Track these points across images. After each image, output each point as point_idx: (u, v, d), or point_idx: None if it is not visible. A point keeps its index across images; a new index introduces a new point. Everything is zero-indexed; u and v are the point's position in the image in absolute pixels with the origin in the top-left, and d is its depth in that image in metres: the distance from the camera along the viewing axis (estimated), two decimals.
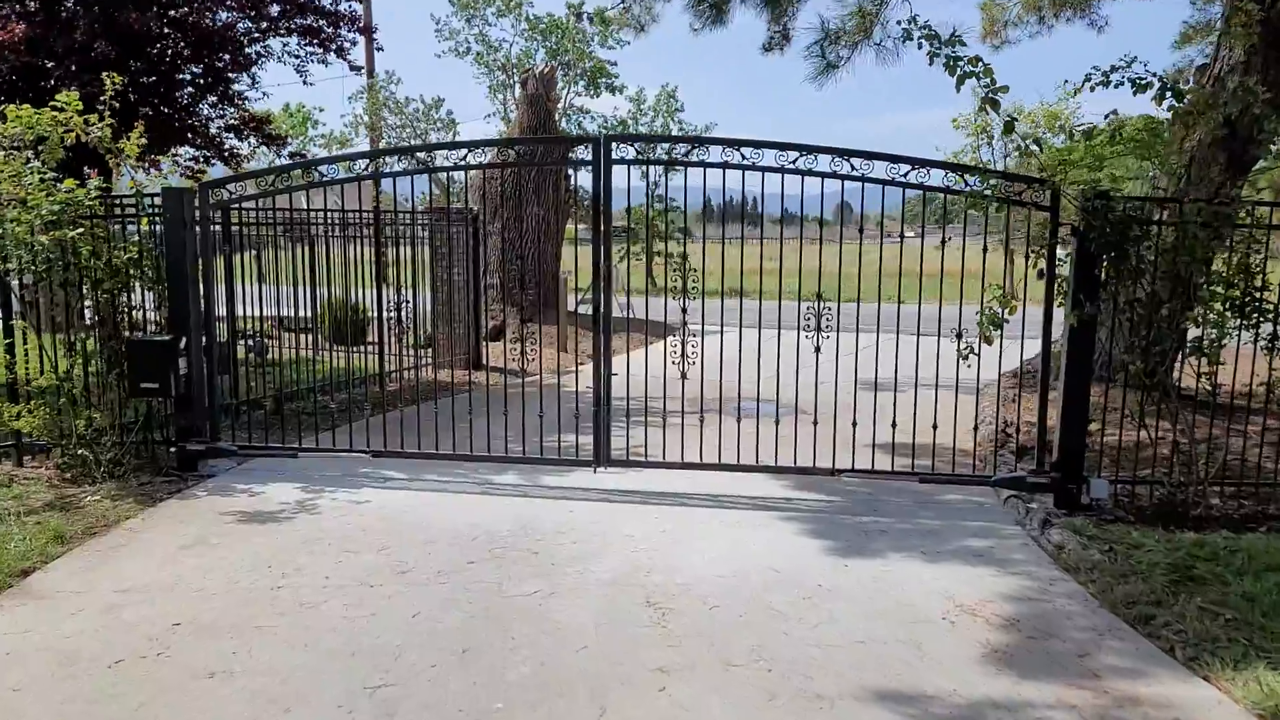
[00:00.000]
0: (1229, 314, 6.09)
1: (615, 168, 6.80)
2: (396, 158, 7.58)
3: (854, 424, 6.63)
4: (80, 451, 6.92)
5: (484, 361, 12.46)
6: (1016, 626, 4.50)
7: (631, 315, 17.51)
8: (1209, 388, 6.27)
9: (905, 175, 6.17)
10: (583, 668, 4.08)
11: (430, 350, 12.33)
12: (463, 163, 6.90)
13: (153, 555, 5.33)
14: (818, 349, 6.31)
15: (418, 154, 7.45)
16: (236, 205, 7.73)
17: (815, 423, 6.81)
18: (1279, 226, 6.27)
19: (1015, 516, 6.19)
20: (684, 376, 6.54)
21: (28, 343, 7.18)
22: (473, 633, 4.42)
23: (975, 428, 7.68)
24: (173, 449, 7.19)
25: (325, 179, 7.28)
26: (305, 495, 6.54)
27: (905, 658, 4.18)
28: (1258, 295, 6.13)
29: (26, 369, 7.12)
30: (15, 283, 7.26)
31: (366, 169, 7.75)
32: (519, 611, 4.64)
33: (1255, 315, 6.12)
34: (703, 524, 5.95)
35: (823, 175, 6.20)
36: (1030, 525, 5.95)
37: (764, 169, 6.27)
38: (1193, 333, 6.21)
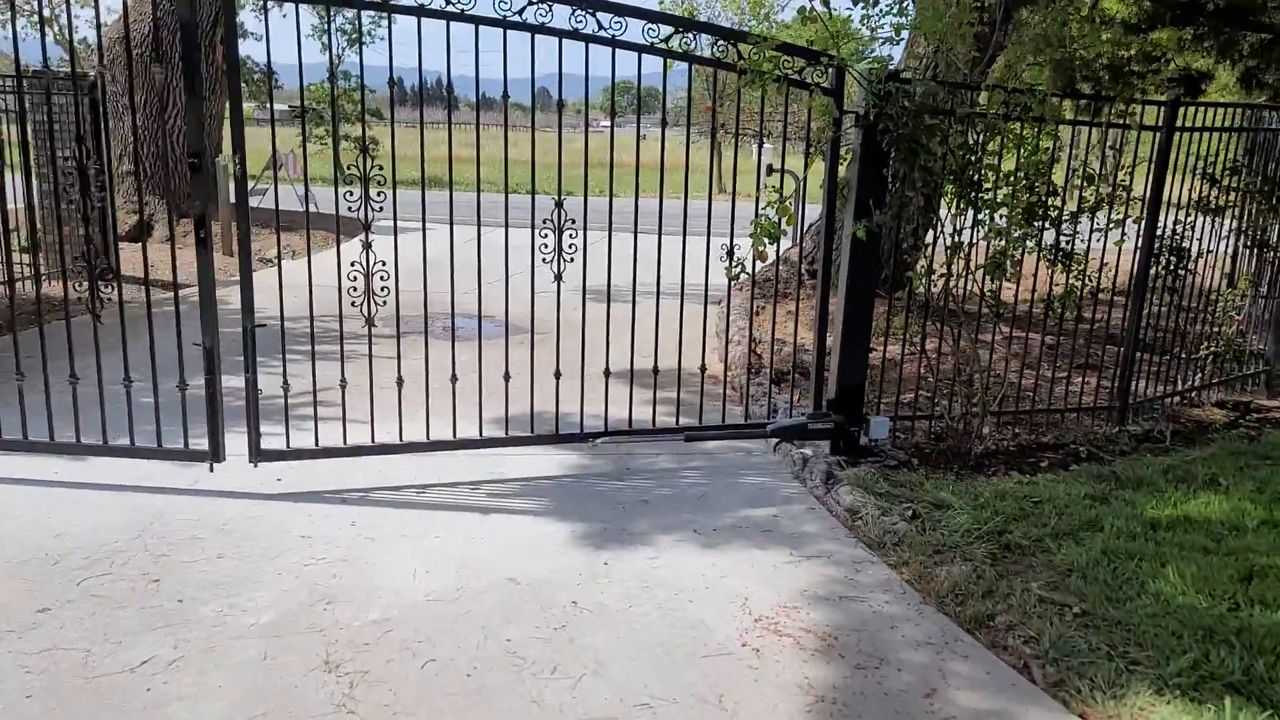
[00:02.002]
0: (1020, 220, 5.29)
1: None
2: None
3: (584, 351, 5.21)
4: None
5: (115, 269, 9.85)
6: (836, 649, 3.39)
7: (315, 209, 15.16)
8: (991, 306, 5.51)
9: (667, 41, 4.71)
10: None
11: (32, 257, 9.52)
12: None
13: None
14: (548, 258, 4.80)
15: None
16: None
17: (533, 348, 5.29)
18: (1085, 122, 5.53)
19: (792, 468, 5.15)
20: (370, 294, 4.72)
21: None
22: None
23: (726, 353, 6.59)
24: None
25: None
26: None
27: None
28: (1044, 199, 5.37)
29: None
30: None
31: None
32: (111, 708, 2.90)
33: (1043, 222, 5.37)
34: (407, 514, 4.40)
35: (560, 34, 4.59)
36: (812, 481, 4.92)
37: (478, 19, 4.52)
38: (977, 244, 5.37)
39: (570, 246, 4.75)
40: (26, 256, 9.23)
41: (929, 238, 5.47)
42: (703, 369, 5.40)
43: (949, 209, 5.29)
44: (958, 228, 5.24)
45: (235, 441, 4.75)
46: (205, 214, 4.49)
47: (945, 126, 5.11)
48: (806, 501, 4.72)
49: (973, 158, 5.26)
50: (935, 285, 5.37)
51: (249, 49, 33.46)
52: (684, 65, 5.03)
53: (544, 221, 4.67)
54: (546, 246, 4.69)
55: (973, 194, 5.24)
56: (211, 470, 4.66)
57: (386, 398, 5.01)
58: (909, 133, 4.89)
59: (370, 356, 4.75)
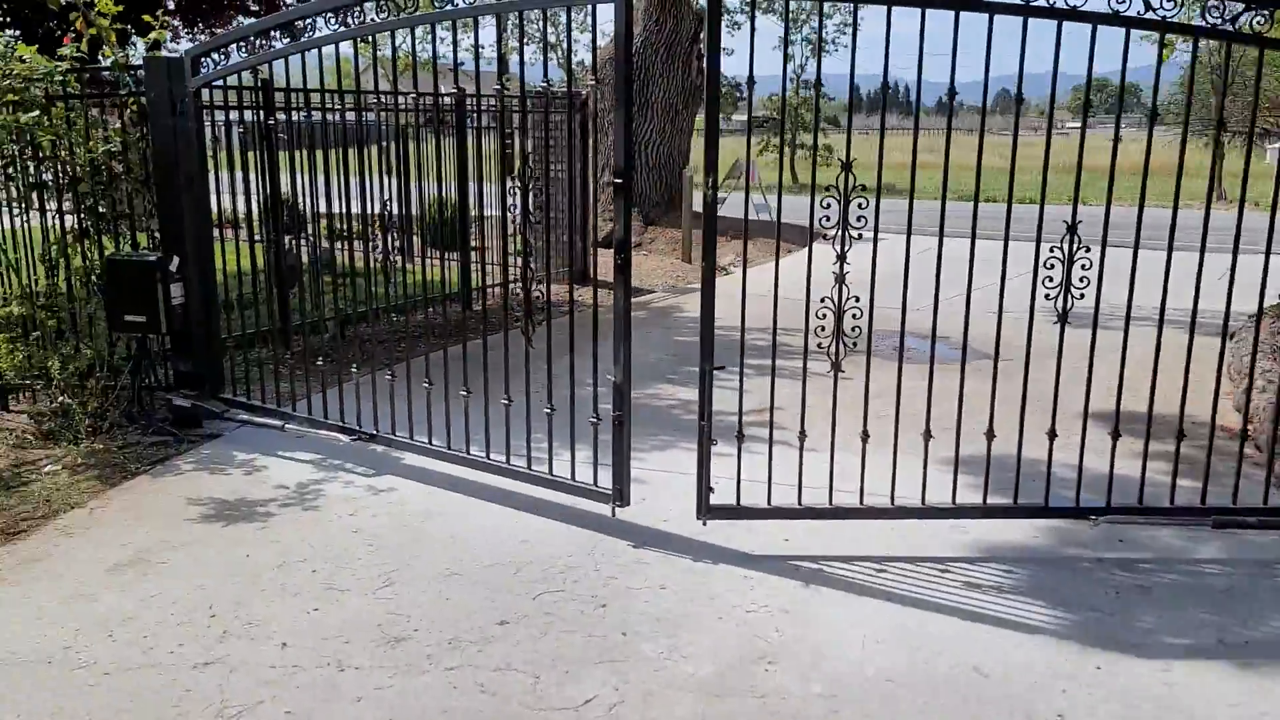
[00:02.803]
0: None
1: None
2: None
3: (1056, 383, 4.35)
4: (61, 399, 5.46)
5: (592, 274, 10.59)
6: None
7: (766, 218, 15.34)
8: None
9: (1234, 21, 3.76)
10: None
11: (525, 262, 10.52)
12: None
13: (62, 584, 3.75)
14: (1068, 269, 4.07)
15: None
16: (219, 80, 5.93)
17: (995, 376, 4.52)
18: None
19: None
20: (840, 335, 4.32)
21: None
22: None
23: (1247, 402, 5.35)
24: (179, 398, 5.64)
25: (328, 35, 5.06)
26: (315, 475, 4.88)
27: None
28: None
29: (6, 294, 5.66)
30: None
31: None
32: None
33: None
34: (856, 567, 3.98)
35: (1094, 19, 3.76)
36: None
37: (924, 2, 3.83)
38: None
39: (1048, 263, 3.99)
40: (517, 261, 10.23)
41: None
42: (1213, 421, 4.36)
43: None
44: None
45: (660, 464, 4.64)
46: (626, 239, 4.16)
47: None
48: None
49: None
50: None
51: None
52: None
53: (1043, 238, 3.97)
54: (1054, 263, 3.98)
55: None
56: (613, 515, 4.39)
57: (836, 430, 4.61)
58: None
59: (834, 405, 4.28)
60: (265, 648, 3.32)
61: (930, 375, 4.24)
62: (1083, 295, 4.00)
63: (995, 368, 4.26)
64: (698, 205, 13.08)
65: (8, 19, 5.78)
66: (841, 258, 4.00)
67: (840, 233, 3.99)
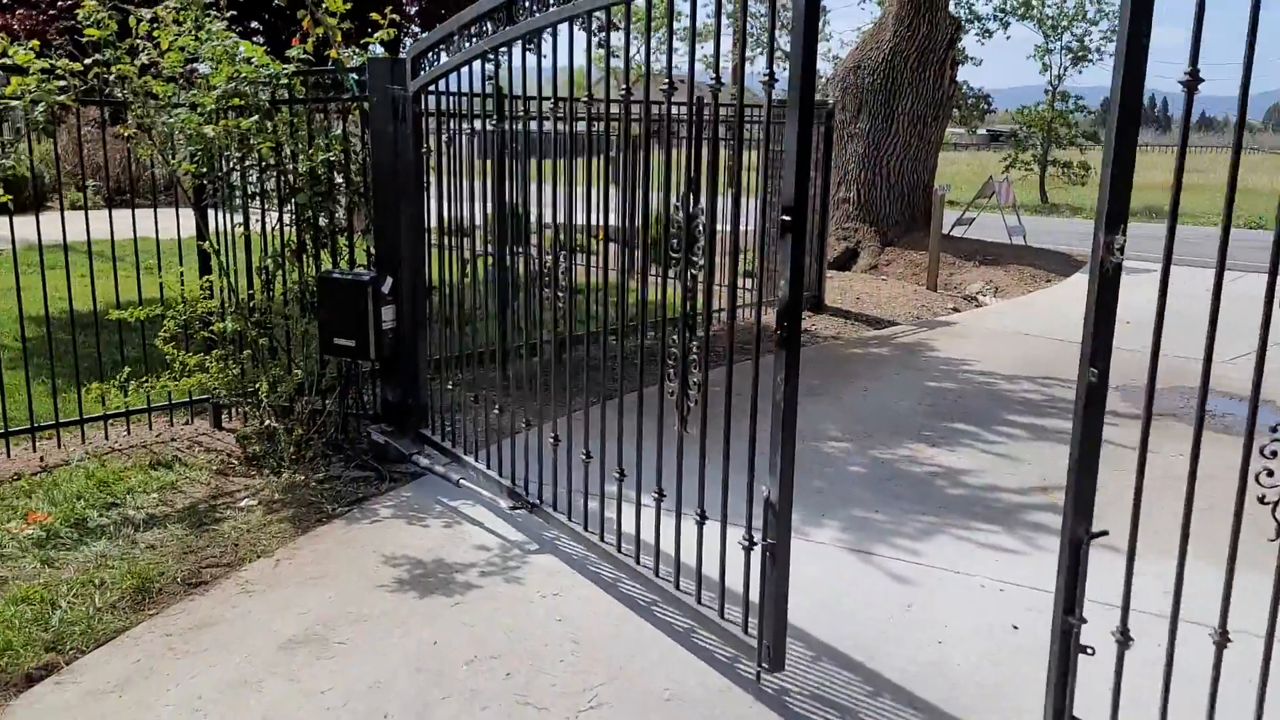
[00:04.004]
0: None
1: None
2: None
3: None
4: (268, 423, 5.14)
5: (823, 300, 9.65)
6: None
7: (1019, 241, 13.78)
8: None
9: None
10: None
11: (754, 284, 9.70)
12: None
13: (229, 661, 3.23)
14: None
15: None
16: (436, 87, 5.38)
17: None
18: None
19: None
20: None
21: (211, 272, 5.44)
22: None
23: None
24: (377, 433, 5.20)
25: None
26: (519, 537, 4.25)
27: None
28: None
29: (223, 308, 5.41)
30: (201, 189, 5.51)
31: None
32: None
33: None
34: None
35: None
36: None
37: None
38: None
39: None
40: (747, 282, 9.43)
41: None
42: None
43: None
44: None
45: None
46: (795, 302, 2.86)
47: None
48: None
49: None
50: None
51: (964, 73, 33.21)
52: None
53: None
54: None
55: None
56: (758, 680, 3.15)
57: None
58: None
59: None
60: None
61: None
62: None
63: None
64: (947, 227, 11.80)
65: (241, 19, 5.56)
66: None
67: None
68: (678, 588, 3.48)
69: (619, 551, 3.78)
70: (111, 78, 4.96)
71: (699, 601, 3.38)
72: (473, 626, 3.48)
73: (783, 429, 2.93)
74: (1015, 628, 3.59)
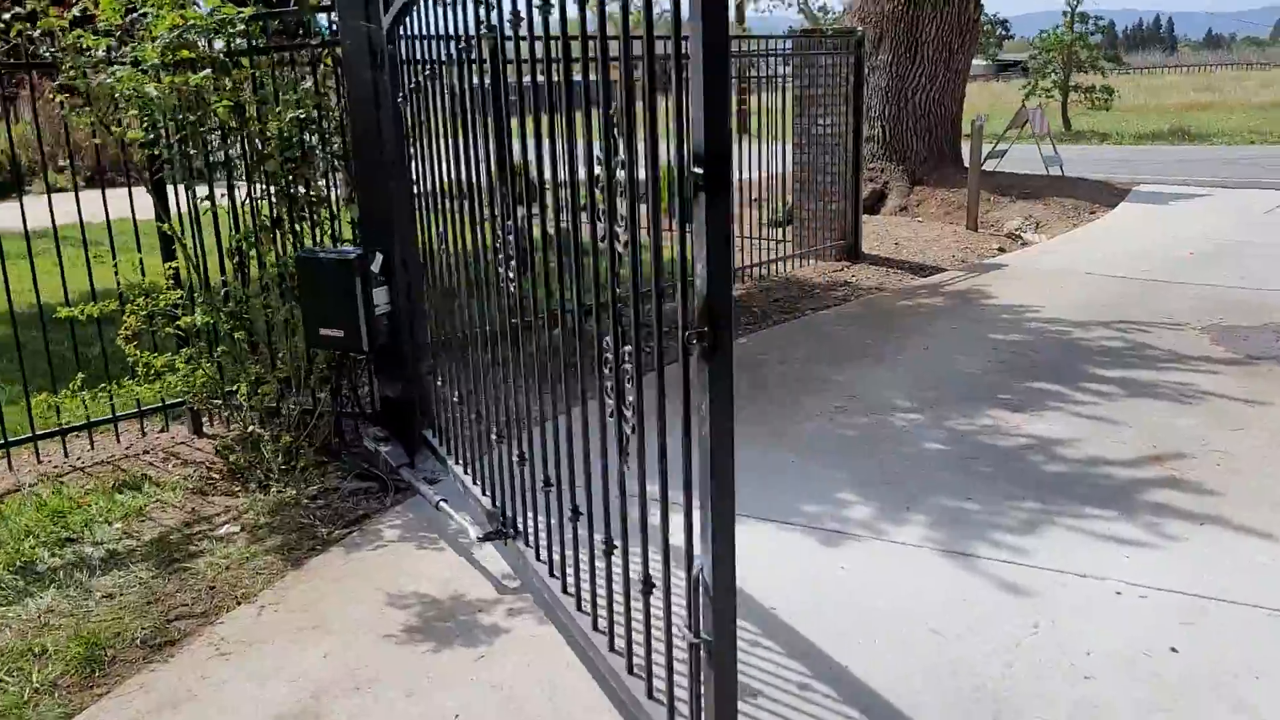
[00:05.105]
0: None
1: None
2: None
3: None
4: (252, 429, 4.43)
5: (859, 247, 8.85)
6: None
7: (1056, 172, 12.88)
8: None
9: None
10: None
11: (786, 234, 8.91)
12: None
13: None
14: None
15: None
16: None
17: None
18: None
19: None
20: None
21: (175, 258, 4.69)
22: None
23: None
24: (370, 440, 4.49)
25: None
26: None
27: None
28: None
29: (191, 298, 4.67)
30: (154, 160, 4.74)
31: None
32: None
33: None
34: None
35: None
36: None
37: None
38: None
39: None
40: (776, 233, 8.64)
41: None
42: None
43: None
44: None
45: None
46: (722, 293, 1.91)
47: None
48: None
49: None
50: None
51: None
52: None
53: None
54: None
55: None
56: None
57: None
58: None
59: None
60: None
61: None
62: None
63: None
64: (984, 161, 10.95)
65: None
66: None
67: None
68: (630, 671, 2.62)
69: (578, 609, 2.93)
70: (37, 34, 4.20)
71: (649, 695, 2.51)
72: (501, 690, 2.79)
73: (712, 478, 1.99)
74: (1174, 650, 2.88)
